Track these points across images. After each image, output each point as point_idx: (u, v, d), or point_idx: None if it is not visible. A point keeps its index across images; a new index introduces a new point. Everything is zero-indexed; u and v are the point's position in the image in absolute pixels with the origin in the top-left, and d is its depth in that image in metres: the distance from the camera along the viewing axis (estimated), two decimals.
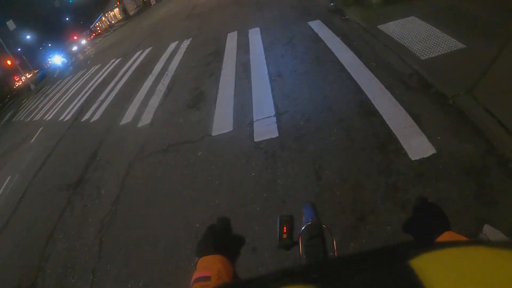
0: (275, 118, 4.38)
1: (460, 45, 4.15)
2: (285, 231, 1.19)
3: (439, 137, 3.05)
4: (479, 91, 3.31)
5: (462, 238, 0.69)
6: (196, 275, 0.74)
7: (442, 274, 0.34)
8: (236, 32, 9.11)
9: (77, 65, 24.80)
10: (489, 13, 4.55)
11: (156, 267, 3.16)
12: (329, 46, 5.69)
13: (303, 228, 1.29)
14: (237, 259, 0.89)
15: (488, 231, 2.20)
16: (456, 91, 3.44)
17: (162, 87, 7.68)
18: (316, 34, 6.44)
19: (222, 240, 0.87)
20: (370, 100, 3.92)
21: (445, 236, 0.72)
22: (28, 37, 60.51)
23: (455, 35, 4.37)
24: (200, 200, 3.67)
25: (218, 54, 7.98)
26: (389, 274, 0.39)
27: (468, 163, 2.73)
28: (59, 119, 10.86)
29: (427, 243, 0.69)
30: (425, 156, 2.93)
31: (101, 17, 62.37)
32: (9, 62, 34.18)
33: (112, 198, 4.55)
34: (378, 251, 0.51)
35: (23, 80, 39.72)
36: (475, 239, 0.45)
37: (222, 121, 4.92)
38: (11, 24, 32.70)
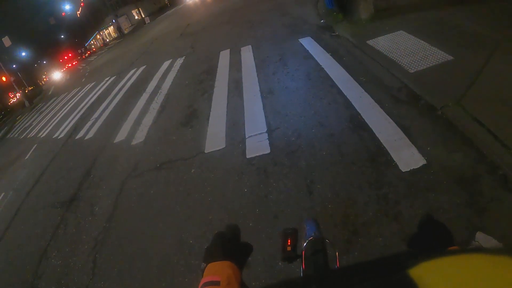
0: (267, 134, 4.41)
1: (448, 57, 4.24)
2: (289, 243, 1.19)
3: (429, 148, 3.10)
4: (467, 102, 3.37)
5: None
6: (204, 279, 0.73)
7: (441, 283, 0.35)
8: (228, 50, 9.22)
9: (71, 83, 24.84)
10: (475, 25, 4.67)
11: (150, 284, 3.13)
12: (320, 63, 5.78)
13: (306, 242, 1.29)
14: (245, 266, 0.87)
15: (481, 238, 2.22)
16: (444, 102, 3.51)
17: (155, 105, 7.73)
18: (307, 51, 6.55)
19: (231, 246, 0.86)
20: (360, 115, 3.98)
21: None
22: (23, 54, 60.63)
23: (442, 47, 4.47)
24: (194, 217, 3.66)
25: (211, 72, 8.05)
26: (388, 283, 0.40)
27: (458, 172, 2.77)
28: (53, 136, 10.85)
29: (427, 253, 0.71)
30: (415, 167, 2.97)
31: (95, 35, 62.74)
32: (4, 78, 33.85)
33: (106, 215, 4.53)
34: (377, 261, 0.51)
35: (17, 97, 39.45)
36: (472, 247, 0.45)
37: (215, 138, 4.94)
38: (6, 41, 32.75)
